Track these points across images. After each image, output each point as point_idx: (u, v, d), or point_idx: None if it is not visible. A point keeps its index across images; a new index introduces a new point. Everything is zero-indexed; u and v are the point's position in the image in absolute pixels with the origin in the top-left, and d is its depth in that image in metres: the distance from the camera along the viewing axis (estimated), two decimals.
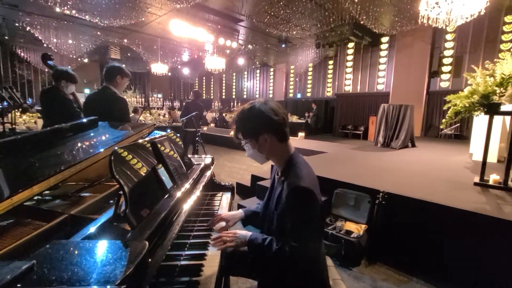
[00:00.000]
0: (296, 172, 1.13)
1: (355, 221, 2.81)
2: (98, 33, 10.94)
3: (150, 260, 0.81)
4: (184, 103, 7.43)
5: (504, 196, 2.78)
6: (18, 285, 0.58)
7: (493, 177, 3.05)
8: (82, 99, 3.22)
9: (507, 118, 4.20)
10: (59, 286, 0.60)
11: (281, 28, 9.04)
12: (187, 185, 1.38)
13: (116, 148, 1.03)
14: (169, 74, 16.88)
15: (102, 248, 0.75)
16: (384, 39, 10.81)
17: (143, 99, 18.92)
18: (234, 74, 19.03)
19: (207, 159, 2.02)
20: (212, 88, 21.64)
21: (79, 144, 1.41)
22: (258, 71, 17.53)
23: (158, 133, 1.80)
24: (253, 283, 2.16)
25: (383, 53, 11.08)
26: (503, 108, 3.02)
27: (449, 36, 9.23)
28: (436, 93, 9.60)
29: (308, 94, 14.54)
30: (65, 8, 7.62)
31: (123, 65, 2.84)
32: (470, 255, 2.28)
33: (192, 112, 5.82)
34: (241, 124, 1.21)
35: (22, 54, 13.57)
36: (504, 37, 8.21)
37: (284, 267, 1.13)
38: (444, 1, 4.71)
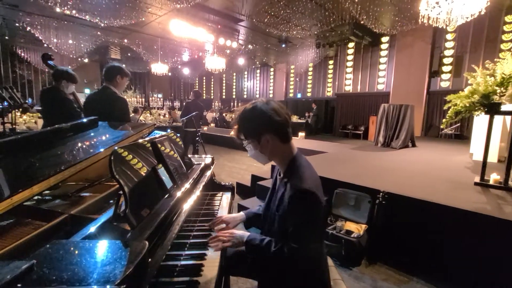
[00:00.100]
0: (299, 174, 1.12)
1: (355, 221, 2.81)
2: (98, 33, 10.94)
3: (150, 260, 0.81)
4: (184, 103, 7.43)
5: (504, 196, 2.77)
6: (18, 285, 0.58)
7: (494, 177, 3.05)
8: (82, 99, 3.23)
9: (508, 118, 4.19)
10: (59, 286, 0.60)
11: (281, 28, 9.04)
12: (187, 185, 1.38)
13: (116, 148, 1.03)
14: (169, 74, 16.89)
15: (102, 248, 0.75)
16: (384, 39, 10.81)
17: (143, 99, 18.95)
18: (234, 74, 19.03)
19: (207, 159, 2.02)
20: (212, 88, 21.64)
21: (79, 144, 1.41)
22: (258, 71, 17.53)
23: (158, 133, 1.80)
24: (253, 283, 2.16)
25: (383, 53, 11.07)
26: (503, 107, 3.02)
27: (449, 36, 9.22)
28: (436, 93, 9.60)
29: (308, 94, 14.53)
30: (65, 8, 7.62)
31: (123, 65, 2.84)
32: (470, 255, 2.28)
33: (192, 112, 5.82)
34: (243, 124, 1.19)
35: (22, 54, 13.59)
36: (504, 37, 8.20)
37: (283, 268, 1.12)
38: (444, 1, 4.70)
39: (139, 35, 11.42)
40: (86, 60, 15.04)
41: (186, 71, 18.81)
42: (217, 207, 1.67)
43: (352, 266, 2.53)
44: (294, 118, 13.56)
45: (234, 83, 19.51)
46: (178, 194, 1.24)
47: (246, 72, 18.38)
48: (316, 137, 10.57)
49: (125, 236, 0.87)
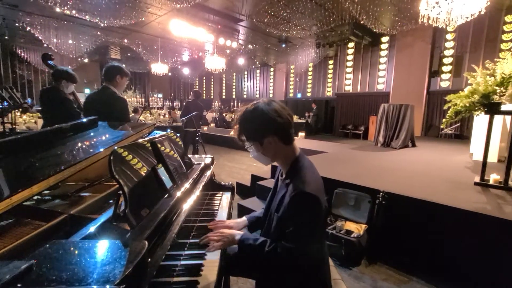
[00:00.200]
0: (301, 176, 1.10)
1: (355, 221, 2.81)
2: (98, 33, 10.94)
3: (149, 260, 0.81)
4: (184, 103, 7.43)
5: (504, 196, 2.77)
6: (18, 285, 0.58)
7: (494, 177, 3.05)
8: (82, 99, 3.22)
9: (508, 117, 4.19)
10: (58, 286, 0.60)
11: (281, 28, 9.04)
12: (187, 185, 1.38)
13: (115, 147, 1.03)
14: (169, 74, 16.89)
15: (101, 248, 0.75)
16: (384, 39, 10.80)
17: (143, 99, 18.96)
18: (234, 74, 19.03)
19: (207, 159, 2.02)
20: (212, 88, 21.64)
21: (79, 144, 1.41)
22: (258, 71, 17.53)
23: (158, 133, 1.79)
24: (253, 283, 2.16)
25: (383, 53, 11.07)
26: (503, 107, 3.02)
27: (449, 36, 9.22)
28: (436, 92, 9.60)
29: (308, 94, 14.53)
30: (65, 8, 7.62)
31: (123, 65, 2.84)
32: (470, 255, 2.28)
33: (192, 112, 5.82)
34: (244, 126, 1.17)
35: (22, 54, 13.59)
36: (504, 37, 8.20)
37: (278, 268, 1.12)
38: (444, 1, 4.70)
39: (139, 35, 11.42)
40: (86, 60, 15.04)
41: (186, 71, 18.81)
42: (217, 207, 1.66)
43: (352, 266, 2.53)
44: (294, 118, 13.49)
45: (234, 83, 19.51)
46: (178, 194, 1.24)
47: (246, 72, 18.38)
48: (316, 137, 10.57)
49: (125, 236, 0.87)
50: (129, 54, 14.84)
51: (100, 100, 2.69)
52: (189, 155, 1.96)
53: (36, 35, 10.09)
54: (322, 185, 1.16)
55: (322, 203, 1.07)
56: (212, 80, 21.28)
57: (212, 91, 21.64)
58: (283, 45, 11.70)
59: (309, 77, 14.43)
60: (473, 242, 2.27)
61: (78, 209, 1.19)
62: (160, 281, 0.95)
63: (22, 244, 0.91)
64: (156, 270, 0.87)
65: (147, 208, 1.03)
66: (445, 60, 9.35)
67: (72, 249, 0.75)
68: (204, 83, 22.19)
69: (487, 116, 3.02)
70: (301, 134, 9.28)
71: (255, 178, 4.16)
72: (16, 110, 6.59)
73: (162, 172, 1.26)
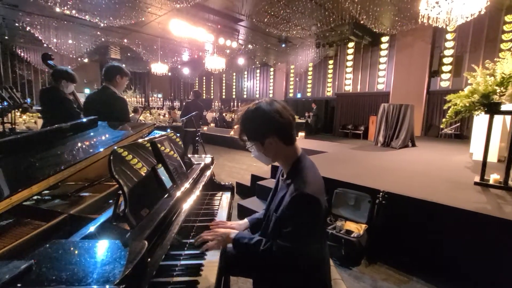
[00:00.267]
0: (302, 177, 1.09)
1: (355, 220, 2.81)
2: (98, 33, 10.95)
3: (149, 259, 0.81)
4: (184, 103, 7.42)
5: (504, 196, 2.77)
6: (18, 285, 0.58)
7: (494, 177, 3.05)
8: (82, 99, 3.22)
9: (508, 117, 4.19)
10: (58, 286, 0.59)
11: (281, 28, 9.04)
12: (186, 185, 1.38)
13: (115, 147, 1.03)
14: (169, 74, 16.89)
15: (101, 248, 0.75)
16: (384, 39, 10.81)
17: (143, 99, 18.97)
18: (234, 74, 19.03)
19: (207, 159, 2.02)
20: (212, 88, 21.64)
21: (79, 144, 1.41)
22: (258, 71, 17.53)
23: (158, 133, 1.79)
24: None
25: (383, 53, 11.07)
26: (503, 107, 3.02)
27: (449, 36, 9.22)
28: (436, 92, 9.60)
29: (308, 94, 14.54)
30: (65, 8, 7.62)
31: (123, 65, 2.84)
32: (470, 255, 2.28)
33: (192, 112, 5.82)
34: (245, 126, 1.16)
35: (22, 54, 13.59)
36: (504, 37, 8.20)
37: (274, 268, 1.11)
38: (444, 1, 4.70)
39: (139, 35, 11.42)
40: (86, 60, 15.05)
41: (186, 71, 18.82)
42: (217, 207, 1.66)
43: (352, 266, 2.53)
44: None
45: (234, 83, 19.51)
46: (178, 194, 1.24)
47: (246, 72, 18.38)
48: (316, 137, 10.57)
49: (125, 236, 0.87)
50: (129, 54, 14.84)
51: (100, 100, 2.69)
52: (189, 155, 1.96)
53: (36, 35, 10.09)
54: (323, 186, 1.15)
55: (322, 204, 1.06)
56: (212, 80, 21.28)
57: (212, 91, 21.64)
58: (283, 45, 11.70)
59: (309, 77, 14.43)
60: (473, 242, 2.27)
61: (78, 209, 1.19)
62: (160, 281, 0.95)
63: (22, 244, 0.90)
64: (156, 270, 0.87)
65: (147, 208, 1.03)
66: (445, 60, 9.35)
67: (72, 249, 0.75)
68: (204, 83, 22.19)
69: (487, 116, 3.02)
70: (301, 134, 9.29)
71: (255, 178, 4.16)
72: (16, 110, 6.59)
73: (162, 172, 1.26)
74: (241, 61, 14.72)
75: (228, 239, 1.18)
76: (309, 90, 14.52)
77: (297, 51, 12.71)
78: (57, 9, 7.79)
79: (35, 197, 1.16)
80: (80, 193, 1.36)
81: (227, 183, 1.97)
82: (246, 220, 1.44)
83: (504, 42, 8.19)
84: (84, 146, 1.39)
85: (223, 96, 20.63)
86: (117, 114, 2.60)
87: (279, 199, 1.15)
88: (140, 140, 1.32)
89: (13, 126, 6.28)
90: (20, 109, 8.59)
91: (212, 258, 1.12)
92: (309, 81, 14.46)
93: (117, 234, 0.90)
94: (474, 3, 4.57)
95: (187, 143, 6.12)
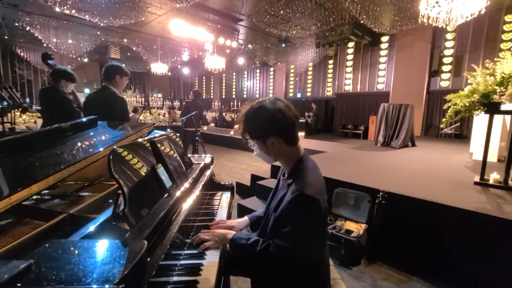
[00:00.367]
0: (304, 177, 1.09)
1: (355, 220, 2.81)
2: (98, 32, 10.94)
3: (149, 259, 0.80)
4: (184, 103, 7.42)
5: (504, 196, 2.77)
6: (17, 285, 0.58)
7: (493, 177, 3.05)
8: (82, 99, 3.22)
9: (507, 117, 4.19)
10: (57, 286, 0.59)
11: (281, 28, 9.04)
12: (186, 185, 1.37)
13: (115, 147, 1.03)
14: (169, 73, 16.88)
15: (100, 248, 0.75)
16: (384, 39, 10.80)
17: (143, 99, 18.95)
18: (234, 73, 19.02)
19: (207, 159, 2.02)
20: (212, 88, 21.63)
21: (79, 144, 1.41)
22: (258, 70, 17.52)
23: (157, 133, 1.79)
24: None
25: (383, 53, 11.07)
26: (503, 107, 3.02)
27: (449, 36, 9.22)
28: (436, 92, 9.60)
29: (308, 94, 14.53)
30: (65, 7, 7.62)
31: (123, 65, 2.84)
32: (470, 254, 2.28)
33: (192, 111, 5.82)
34: (248, 124, 1.16)
35: (22, 54, 13.58)
36: (504, 36, 8.20)
37: (272, 268, 1.11)
38: (444, 0, 4.70)
39: (138, 35, 11.41)
40: (85, 60, 15.03)
41: (185, 70, 18.81)
42: (217, 206, 1.66)
43: (352, 266, 2.53)
44: None
45: (234, 83, 19.51)
46: (178, 193, 1.24)
47: (246, 72, 18.37)
48: (316, 136, 10.57)
49: (124, 236, 0.86)
50: (128, 54, 14.83)
51: (100, 99, 2.69)
52: (189, 155, 1.95)
53: (35, 35, 10.08)
54: (324, 187, 1.15)
55: (322, 205, 1.06)
56: (212, 79, 21.27)
57: (212, 91, 21.64)
58: (283, 45, 11.70)
59: (309, 77, 14.42)
60: (473, 241, 2.27)
61: (78, 208, 1.18)
62: (159, 281, 0.94)
63: (21, 244, 0.90)
64: (155, 270, 0.86)
65: (146, 208, 1.03)
66: (445, 60, 9.35)
67: (71, 248, 0.75)
68: (204, 83, 22.18)
69: (487, 116, 3.02)
70: (301, 134, 9.29)
71: (255, 178, 4.15)
72: (16, 109, 6.59)
73: (161, 171, 1.25)
74: (241, 61, 14.71)
75: (226, 239, 1.18)
76: (309, 90, 14.52)
77: (297, 51, 12.70)
78: (57, 9, 7.78)
79: (34, 197, 1.16)
80: (80, 193, 1.36)
81: (227, 183, 1.97)
82: (246, 217, 1.44)
83: (504, 42, 8.19)
84: (83, 145, 1.39)
85: (223, 96, 20.63)
86: (117, 114, 2.60)
87: (279, 199, 1.14)
88: (139, 140, 1.31)
89: (13, 125, 6.28)
90: (20, 109, 8.59)
91: (212, 258, 1.11)
92: (309, 81, 14.46)
93: (116, 233, 0.90)
94: (474, 3, 4.57)
95: (187, 143, 6.12)
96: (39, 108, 5.44)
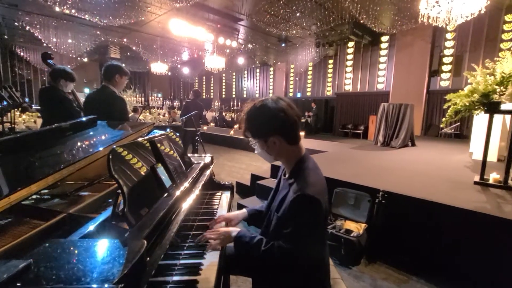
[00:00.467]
0: (305, 177, 1.09)
1: (355, 220, 2.81)
2: (98, 32, 10.93)
3: (148, 259, 0.80)
4: (184, 103, 7.42)
5: (504, 195, 2.77)
6: (16, 284, 0.58)
7: (493, 176, 3.05)
8: (82, 99, 3.22)
9: (507, 117, 4.19)
10: (56, 285, 0.59)
11: (281, 27, 9.03)
12: (186, 184, 1.37)
13: (114, 146, 1.03)
14: (169, 73, 16.88)
15: (100, 247, 0.75)
16: (384, 38, 10.80)
17: (143, 99, 18.94)
18: (234, 73, 19.01)
19: (207, 158, 2.02)
20: (212, 88, 21.63)
21: (78, 143, 1.41)
22: (258, 70, 17.52)
23: (157, 132, 1.79)
24: None
25: (383, 52, 11.07)
26: (503, 107, 3.02)
27: (449, 35, 9.22)
28: (436, 92, 9.60)
29: (308, 94, 14.53)
30: (65, 7, 7.61)
31: (123, 64, 2.83)
32: (469, 254, 2.28)
33: (192, 111, 5.81)
34: (249, 123, 1.15)
35: (22, 54, 13.57)
36: (504, 36, 8.20)
37: (274, 268, 1.11)
38: (444, 0, 4.70)
39: (138, 35, 11.41)
40: (85, 60, 15.03)
41: (185, 70, 18.80)
42: (217, 206, 1.66)
43: (352, 265, 2.53)
44: None
45: (234, 83, 19.50)
46: (177, 193, 1.23)
47: (245, 72, 18.37)
48: (315, 136, 10.57)
49: (123, 235, 0.86)
50: (128, 54, 14.82)
51: (99, 99, 2.68)
52: (189, 154, 1.95)
53: (35, 35, 10.08)
54: (325, 187, 1.14)
55: (323, 205, 1.06)
56: (212, 79, 21.27)
57: (212, 91, 21.63)
58: (283, 45, 11.70)
59: (309, 77, 14.42)
60: (472, 241, 2.27)
61: (77, 208, 1.18)
62: (159, 280, 0.94)
63: (21, 243, 0.90)
64: (155, 269, 0.86)
65: (146, 207, 1.02)
66: (445, 60, 9.35)
67: (70, 248, 0.75)
68: (204, 83, 22.17)
69: (487, 115, 3.02)
70: (301, 133, 9.28)
71: (255, 178, 4.16)
72: (16, 109, 6.59)
73: (161, 171, 1.25)
74: (241, 60, 14.70)
75: (230, 237, 1.18)
76: (309, 89, 14.51)
77: (297, 51, 12.70)
78: (57, 9, 7.77)
79: (34, 196, 1.16)
80: (79, 192, 1.36)
81: (226, 183, 1.97)
82: (244, 210, 1.44)
83: (504, 42, 8.19)
84: (83, 145, 1.39)
85: (223, 96, 20.62)
86: (117, 114, 2.60)
87: (281, 199, 1.14)
88: (139, 139, 1.31)
89: (13, 125, 6.28)
90: (20, 109, 8.59)
91: (212, 258, 1.11)
92: (309, 81, 14.45)
93: (116, 233, 0.90)
94: (474, 3, 4.56)
95: (187, 143, 6.12)
96: (39, 107, 5.44)
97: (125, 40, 12.14)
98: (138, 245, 0.75)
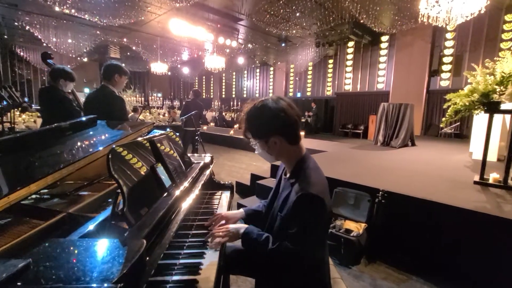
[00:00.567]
0: (307, 177, 1.09)
1: (354, 219, 2.80)
2: (98, 32, 10.92)
3: (148, 258, 0.80)
4: (184, 102, 7.42)
5: (504, 195, 2.77)
6: (16, 284, 0.58)
7: (493, 176, 3.05)
8: (82, 99, 3.22)
9: (507, 116, 4.19)
10: (56, 284, 0.59)
11: (281, 27, 9.03)
12: (186, 184, 1.37)
13: (114, 146, 1.03)
14: (169, 73, 16.87)
15: (99, 247, 0.75)
16: (384, 38, 10.80)
17: (143, 98, 18.95)
18: (234, 73, 19.01)
19: (207, 158, 2.02)
20: (212, 87, 21.62)
21: (78, 143, 1.41)
22: (258, 70, 17.51)
23: (157, 132, 1.79)
24: (252, 282, 2.16)
25: (383, 52, 11.06)
26: (503, 106, 3.01)
27: (449, 35, 9.22)
28: (436, 92, 9.60)
29: (308, 93, 14.53)
30: (65, 7, 7.61)
31: (122, 64, 2.83)
32: (469, 254, 2.28)
33: (192, 111, 5.81)
34: (250, 123, 1.15)
35: (22, 53, 13.56)
36: (504, 36, 8.20)
37: (279, 267, 1.11)
38: (444, 0, 4.69)
39: (138, 34, 11.40)
40: (85, 59, 15.02)
41: (185, 70, 18.80)
42: (216, 206, 1.66)
43: (352, 265, 2.53)
44: None
45: (234, 83, 19.49)
46: (177, 192, 1.23)
47: (245, 71, 18.36)
48: (315, 136, 10.57)
49: (123, 235, 0.86)
50: (128, 53, 14.82)
51: (99, 99, 2.69)
52: (189, 154, 1.95)
53: (35, 34, 10.07)
54: (327, 187, 1.14)
55: (326, 204, 1.06)
56: (212, 79, 21.26)
57: (211, 91, 21.62)
58: (283, 44, 11.69)
59: (309, 76, 14.42)
60: (472, 241, 2.27)
61: (77, 208, 1.18)
62: (158, 280, 0.94)
63: (20, 243, 0.90)
64: (154, 269, 0.86)
65: (145, 207, 1.02)
66: (445, 59, 9.35)
67: (70, 247, 0.75)
68: (203, 83, 22.17)
69: (487, 115, 3.02)
70: (301, 133, 9.29)
71: (254, 177, 4.15)
72: (15, 109, 6.59)
73: (161, 171, 1.25)
74: (241, 60, 14.70)
75: (238, 234, 1.17)
76: (309, 89, 14.51)
77: (297, 50, 12.69)
78: (56, 8, 7.76)
79: (33, 196, 1.16)
80: (79, 192, 1.36)
81: (226, 182, 1.97)
82: (242, 210, 1.45)
83: (504, 41, 8.19)
84: (83, 145, 1.39)
85: (223, 96, 20.62)
86: (116, 113, 2.60)
87: (283, 199, 1.14)
88: (139, 139, 1.31)
89: (12, 125, 6.28)
90: (19, 108, 8.59)
91: (212, 257, 1.11)
92: (309, 81, 14.45)
93: (115, 233, 0.89)
94: (474, 2, 4.56)
95: (187, 142, 6.12)
96: (39, 107, 5.44)
97: (125, 40, 12.14)
98: (137, 245, 0.75)
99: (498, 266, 2.14)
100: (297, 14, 8.27)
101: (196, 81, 21.64)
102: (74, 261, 0.68)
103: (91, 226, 0.95)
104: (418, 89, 9.82)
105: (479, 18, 6.11)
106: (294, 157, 1.18)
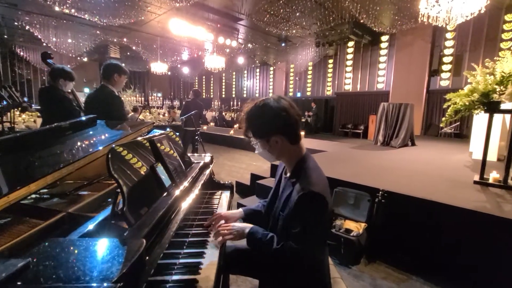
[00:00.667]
0: (308, 176, 1.09)
1: (354, 219, 2.80)
2: (98, 32, 10.92)
3: (147, 258, 0.80)
4: (183, 102, 7.42)
5: (503, 195, 2.77)
6: (15, 283, 0.58)
7: (493, 176, 3.05)
8: (82, 98, 3.22)
9: (507, 116, 4.19)
10: (55, 284, 0.59)
11: (281, 27, 9.03)
12: (185, 184, 1.37)
13: (113, 146, 1.03)
14: (169, 73, 16.86)
15: (99, 246, 0.75)
16: (384, 38, 10.79)
17: (142, 98, 18.93)
18: (234, 73, 19.00)
19: (207, 158, 2.02)
20: (212, 87, 21.62)
21: (78, 143, 1.41)
22: (258, 70, 17.50)
23: (157, 132, 1.79)
24: (252, 282, 2.16)
25: (383, 52, 11.06)
26: (503, 106, 3.01)
27: (449, 35, 9.21)
28: (436, 91, 9.60)
29: (308, 93, 14.52)
30: (64, 7, 7.60)
31: (122, 64, 2.83)
32: (469, 253, 2.28)
33: (192, 111, 5.81)
34: (251, 122, 1.15)
35: (22, 53, 13.54)
36: (504, 36, 8.20)
37: (283, 267, 1.11)
38: (444, 0, 4.69)
39: (138, 34, 11.40)
40: (85, 59, 15.02)
41: (185, 70, 18.79)
42: (216, 205, 1.66)
43: (352, 265, 2.53)
44: None
45: (234, 82, 19.49)
46: (177, 192, 1.23)
47: (245, 71, 18.36)
48: (315, 136, 10.57)
49: (123, 234, 0.86)
50: (128, 53, 14.81)
51: (99, 99, 2.69)
52: (189, 154, 1.95)
53: (35, 34, 10.06)
54: (327, 186, 1.15)
55: (328, 203, 1.06)
56: (212, 79, 21.25)
57: (211, 90, 21.62)
58: (283, 44, 11.69)
59: (309, 76, 14.41)
60: (472, 240, 2.27)
61: (76, 207, 1.18)
62: (158, 280, 0.94)
63: (20, 243, 0.90)
64: (154, 268, 0.86)
65: (145, 207, 1.02)
66: (445, 59, 9.35)
67: (70, 247, 0.75)
68: (203, 82, 22.16)
69: (487, 115, 3.02)
70: (301, 133, 9.28)
71: (254, 177, 4.15)
72: (15, 109, 6.59)
73: (161, 170, 1.25)
74: (240, 60, 14.69)
75: (243, 233, 1.17)
76: (308, 89, 14.50)
77: (297, 50, 12.69)
78: (56, 8, 7.76)
79: (33, 196, 1.16)
80: (79, 192, 1.36)
81: (226, 182, 1.97)
82: (240, 209, 1.45)
83: (504, 41, 8.18)
84: (82, 144, 1.39)
85: (223, 95, 20.61)
86: (116, 113, 2.60)
87: (285, 198, 1.14)
88: (139, 139, 1.31)
89: (12, 125, 6.28)
90: (19, 108, 8.59)
91: (211, 257, 1.11)
92: (309, 80, 14.44)
93: (115, 232, 0.89)
94: (474, 2, 4.56)
95: (187, 142, 6.12)
96: (39, 107, 5.44)
97: (125, 39, 12.13)
98: (137, 244, 0.75)
99: (498, 266, 2.14)
100: (297, 14, 8.27)
101: (196, 81, 21.63)
102: (74, 260, 0.68)
103: (90, 226, 0.95)
104: (418, 89, 9.82)
105: (479, 18, 6.11)
106: (294, 157, 1.18)
